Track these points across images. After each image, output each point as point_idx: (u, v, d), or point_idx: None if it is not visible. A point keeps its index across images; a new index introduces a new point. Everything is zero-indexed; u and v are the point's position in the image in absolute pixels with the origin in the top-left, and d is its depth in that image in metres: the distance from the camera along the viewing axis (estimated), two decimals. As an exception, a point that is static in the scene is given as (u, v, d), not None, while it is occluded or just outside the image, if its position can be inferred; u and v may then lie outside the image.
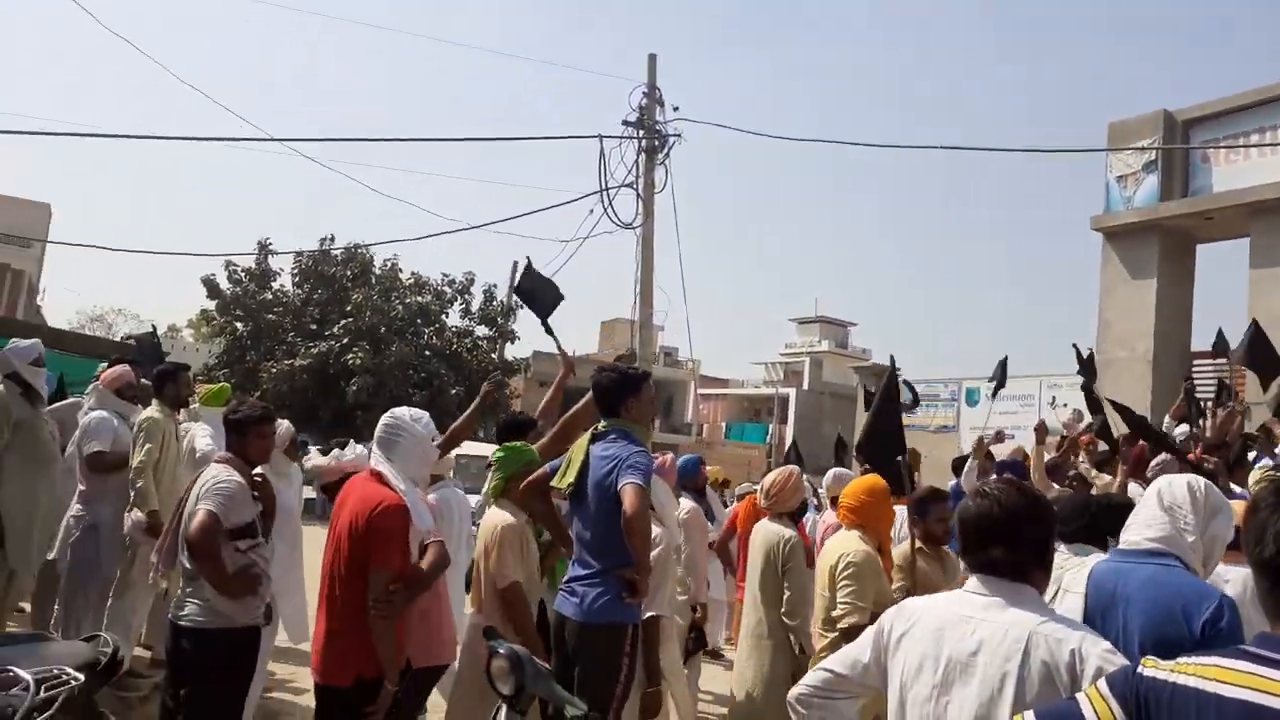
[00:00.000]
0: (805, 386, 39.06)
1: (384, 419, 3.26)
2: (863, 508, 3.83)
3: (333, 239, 19.90)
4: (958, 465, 7.83)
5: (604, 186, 12.46)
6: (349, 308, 18.87)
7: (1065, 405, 11.24)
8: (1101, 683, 1.51)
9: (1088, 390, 8.77)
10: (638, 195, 12.71)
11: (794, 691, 2.23)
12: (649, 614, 3.54)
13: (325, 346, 18.43)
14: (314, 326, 19.20)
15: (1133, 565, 2.38)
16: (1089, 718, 1.46)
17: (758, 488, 5.23)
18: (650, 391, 3.55)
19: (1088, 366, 9.12)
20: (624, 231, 12.75)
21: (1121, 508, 4.56)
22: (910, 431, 11.28)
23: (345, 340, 18.39)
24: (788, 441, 36.55)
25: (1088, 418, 10.78)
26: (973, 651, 1.97)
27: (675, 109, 12.80)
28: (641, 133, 12.75)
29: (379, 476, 3.13)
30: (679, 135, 12.88)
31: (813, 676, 2.21)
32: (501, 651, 2.76)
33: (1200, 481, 2.49)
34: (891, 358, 4.99)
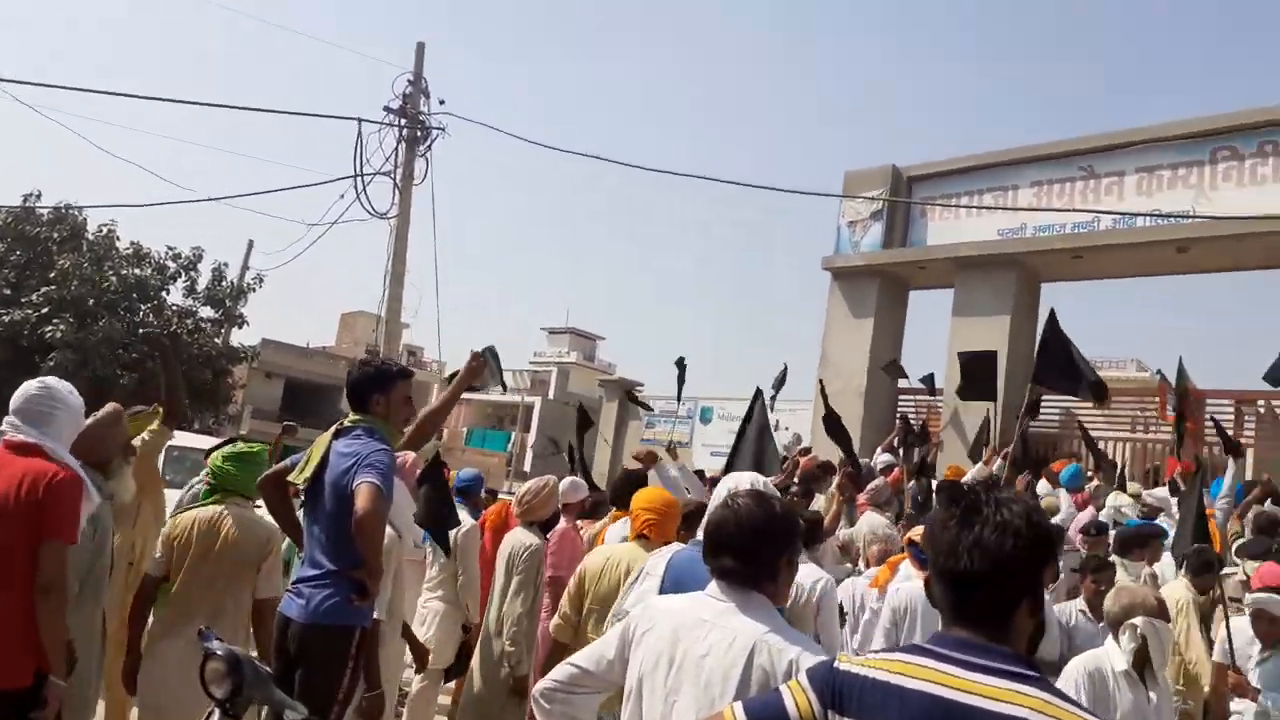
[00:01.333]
0: (551, 396, 39.33)
1: (33, 389, 2.90)
2: (664, 521, 3.79)
3: (39, 195, 17.68)
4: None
5: (359, 172, 11.94)
6: (53, 274, 16.79)
7: (788, 429, 12.01)
8: (802, 675, 1.58)
9: (830, 420, 9.53)
10: (395, 185, 12.29)
11: (539, 686, 2.25)
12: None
13: (21, 315, 16.32)
14: (9, 292, 16.93)
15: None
16: (789, 706, 1.53)
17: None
18: (404, 390, 3.42)
19: (779, 382, 9.82)
20: (377, 222, 12.29)
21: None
22: (646, 445, 11.53)
23: (45, 310, 16.36)
24: (529, 450, 36.57)
25: (805, 441, 11.63)
26: (703, 654, 2.05)
27: (441, 102, 12.50)
28: (403, 121, 12.34)
29: (32, 449, 2.77)
30: (443, 129, 12.59)
31: (559, 671, 2.23)
32: (218, 653, 2.55)
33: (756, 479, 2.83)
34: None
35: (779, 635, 2.05)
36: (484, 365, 4.14)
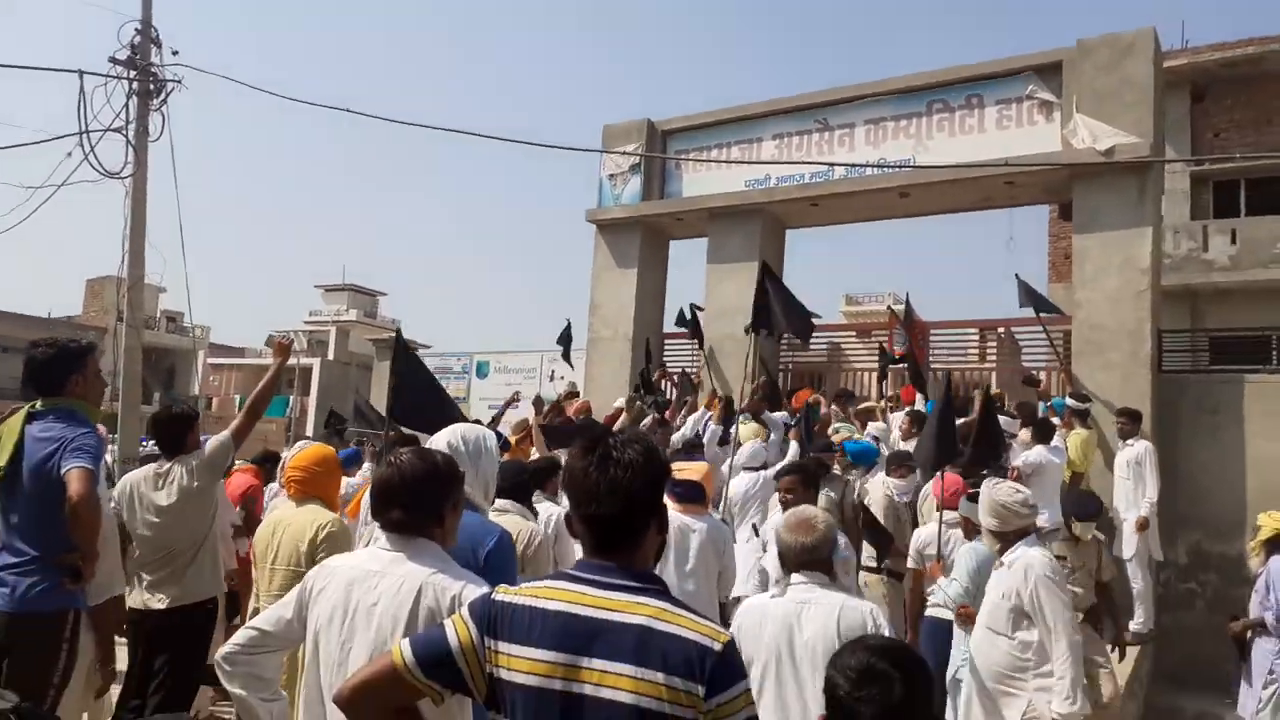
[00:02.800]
0: (331, 356, 37.89)
1: None
2: (314, 479, 3.88)
3: None
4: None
5: (85, 129, 10.97)
6: None
7: (563, 378, 12.35)
8: (464, 608, 1.77)
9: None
10: (128, 142, 11.39)
11: (221, 651, 2.33)
12: (111, 595, 3.44)
13: None
14: None
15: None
16: (450, 637, 1.71)
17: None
18: (95, 365, 3.33)
19: (564, 338, 10.14)
20: (115, 182, 11.36)
21: (552, 469, 5.18)
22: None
23: None
24: (310, 415, 35.09)
25: (579, 387, 12.00)
26: (373, 603, 2.20)
27: (175, 52, 11.63)
28: (133, 73, 11.42)
29: None
30: (178, 81, 11.75)
31: (240, 635, 2.32)
32: None
33: (471, 432, 2.99)
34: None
35: (445, 575, 2.22)
36: (291, 344, 4.31)
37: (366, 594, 2.20)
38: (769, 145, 11.56)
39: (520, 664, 1.63)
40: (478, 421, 4.19)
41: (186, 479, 3.99)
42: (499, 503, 4.36)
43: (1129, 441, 8.04)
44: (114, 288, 29.32)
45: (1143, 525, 7.69)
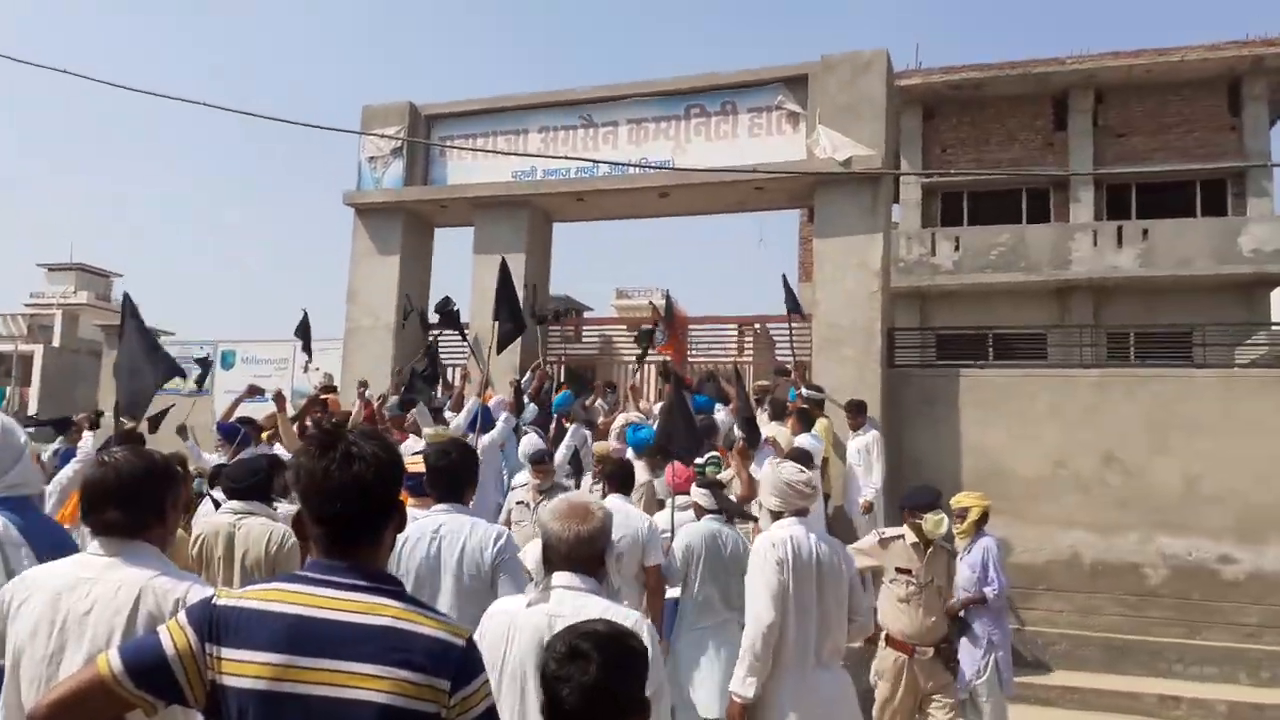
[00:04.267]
0: (56, 343, 34.26)
1: None
2: None
3: None
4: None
5: None
6: None
7: (318, 369, 11.76)
8: (181, 614, 1.66)
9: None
10: None
11: None
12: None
13: None
14: None
15: None
16: (165, 643, 1.60)
17: None
18: None
19: (302, 329, 9.67)
20: None
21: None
22: (163, 394, 10.64)
23: None
24: (31, 406, 31.64)
25: (335, 379, 11.51)
26: (86, 611, 2.04)
27: None
28: None
29: None
30: None
31: None
32: None
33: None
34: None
35: (167, 578, 2.10)
36: None
37: (78, 602, 2.04)
38: (535, 138, 11.55)
39: (248, 669, 1.56)
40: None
41: None
42: (237, 505, 4.12)
43: (859, 431, 8.70)
44: None
45: (868, 508, 8.35)
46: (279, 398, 7.48)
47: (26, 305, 41.07)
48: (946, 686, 5.00)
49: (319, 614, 1.60)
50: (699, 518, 5.27)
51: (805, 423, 8.20)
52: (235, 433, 7.50)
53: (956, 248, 18.50)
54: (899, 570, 5.00)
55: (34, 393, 32.21)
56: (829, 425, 8.95)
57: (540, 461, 6.11)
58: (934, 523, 4.92)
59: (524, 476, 6.43)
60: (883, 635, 4.98)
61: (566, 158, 10.88)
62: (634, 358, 11.54)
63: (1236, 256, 17.18)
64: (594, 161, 10.78)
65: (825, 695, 3.62)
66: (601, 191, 11.19)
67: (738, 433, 7.43)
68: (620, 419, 8.96)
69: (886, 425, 9.29)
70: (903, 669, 4.92)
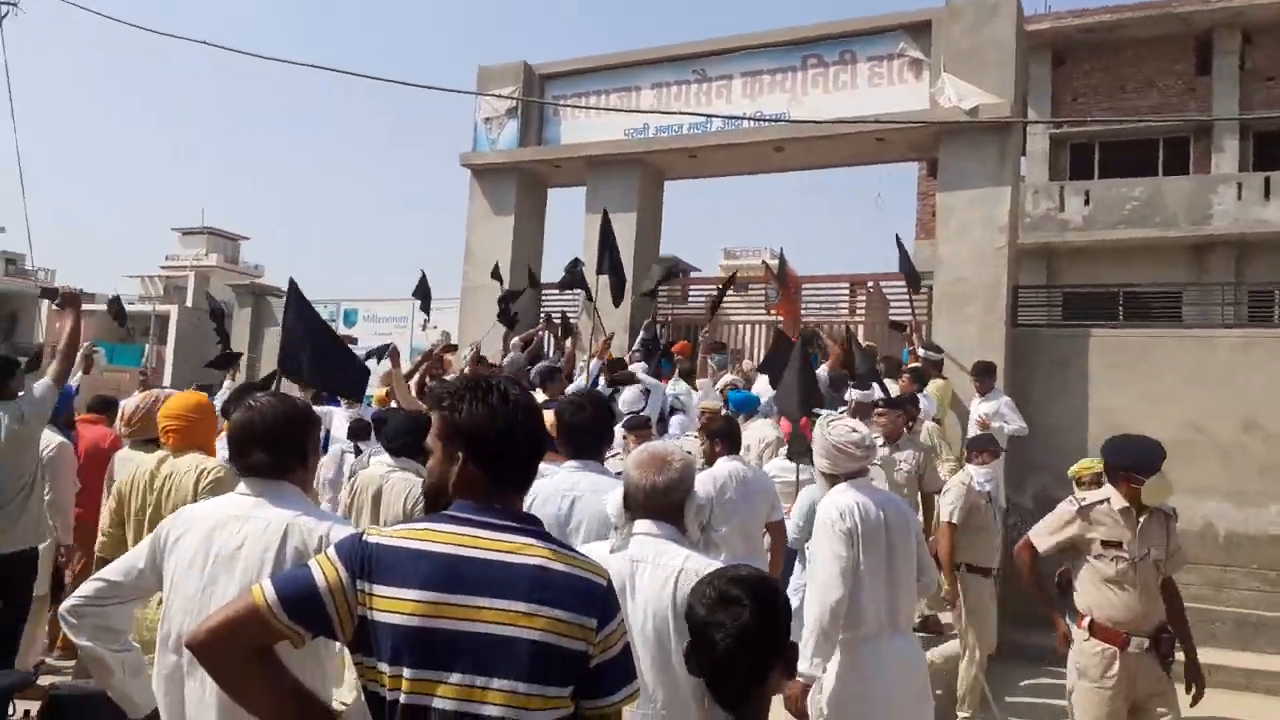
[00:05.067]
0: (189, 303, 36.06)
1: None
2: (192, 427, 3.63)
3: None
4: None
5: (-103, 50, 9.96)
6: None
7: (435, 327, 12.06)
8: (330, 549, 1.69)
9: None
10: (-49, 68, 10.41)
11: (66, 604, 2.24)
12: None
13: None
14: None
15: None
16: (316, 575, 1.63)
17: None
18: None
19: (421, 289, 9.84)
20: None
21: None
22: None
23: None
24: (168, 364, 33.53)
25: (454, 338, 11.76)
26: (238, 546, 2.17)
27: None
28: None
29: None
30: (14, 4, 10.87)
31: (87, 587, 2.24)
32: None
33: None
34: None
35: (310, 517, 2.22)
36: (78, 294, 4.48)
37: (229, 539, 2.17)
38: (647, 94, 11.44)
39: (401, 605, 1.58)
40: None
41: (15, 423, 3.99)
42: (388, 459, 4.27)
43: (986, 396, 8.38)
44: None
45: (984, 425, 8.07)
46: (394, 354, 7.62)
47: (162, 267, 43.38)
48: (1165, 693, 4.05)
49: (471, 553, 1.63)
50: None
51: (920, 383, 7.98)
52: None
53: (1086, 202, 17.58)
54: (1105, 544, 4.06)
55: (169, 351, 34.06)
56: (947, 385, 8.68)
57: (638, 428, 6.11)
58: (1158, 488, 4.02)
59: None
60: (1085, 622, 4.08)
61: (679, 113, 10.75)
62: (749, 317, 11.42)
63: (1402, 208, 15.84)
64: (707, 116, 10.64)
65: (905, 662, 3.51)
66: (715, 147, 11.03)
67: (856, 393, 7.30)
68: (725, 378, 8.91)
69: (1011, 388, 8.95)
70: (1112, 663, 3.98)
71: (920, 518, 6.21)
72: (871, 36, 10.40)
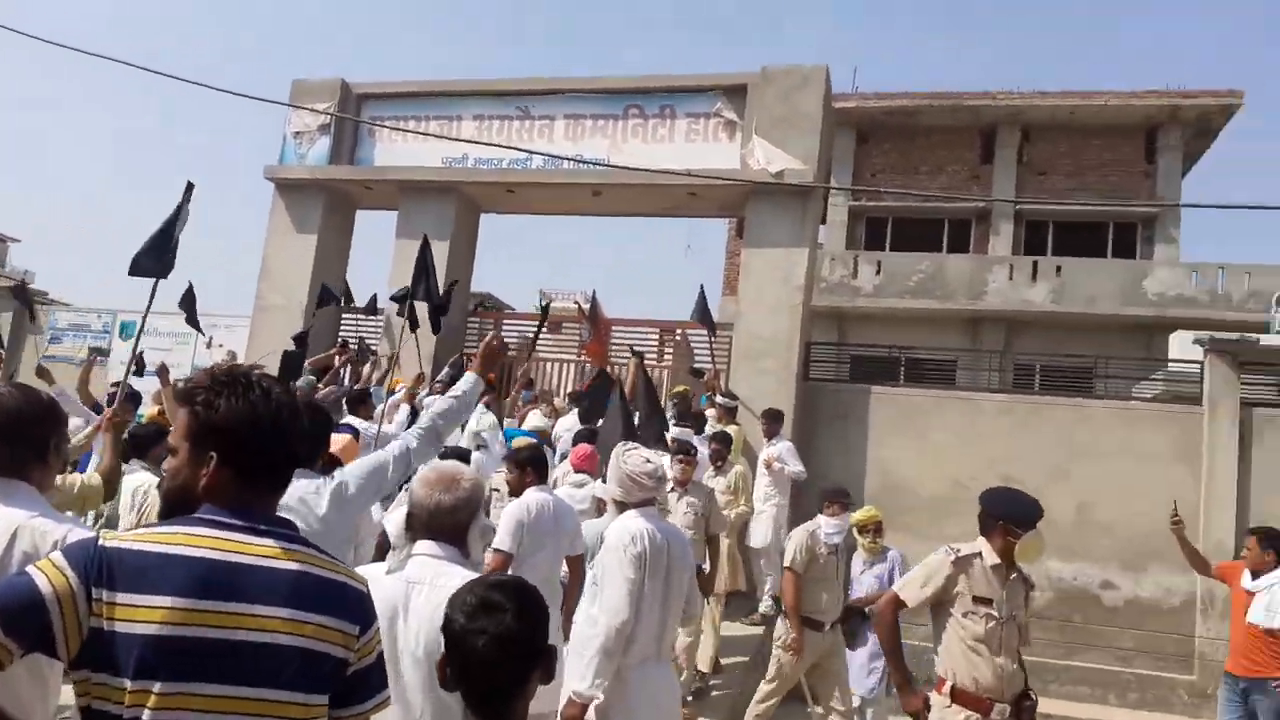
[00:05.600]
0: (-55, 301, 32.47)
1: None
2: None
3: None
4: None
5: None
6: None
7: (221, 345, 11.39)
8: (57, 554, 1.51)
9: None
10: None
11: None
12: None
13: None
14: None
15: None
16: (41, 585, 1.45)
17: None
18: None
19: (187, 301, 9.30)
20: None
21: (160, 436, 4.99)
22: (55, 362, 10.15)
23: None
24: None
25: (240, 358, 11.13)
26: None
27: None
28: None
29: None
30: None
31: None
32: None
33: None
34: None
35: (46, 519, 2.03)
36: None
37: None
38: (469, 125, 11.37)
39: (152, 614, 1.44)
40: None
41: None
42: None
43: (772, 440, 8.77)
44: None
45: (769, 465, 8.55)
46: (163, 371, 7.06)
47: (-84, 261, 38.92)
48: None
49: (233, 558, 1.53)
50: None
51: (698, 426, 8.40)
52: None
53: (878, 272, 18.85)
54: (977, 599, 3.74)
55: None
56: (739, 431, 9.01)
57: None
58: (1034, 544, 3.74)
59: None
60: (946, 688, 3.74)
61: (500, 145, 10.71)
62: (560, 355, 11.44)
63: (1141, 299, 17.88)
64: (529, 152, 10.66)
65: (666, 690, 3.60)
66: (534, 184, 11.07)
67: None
68: (533, 415, 8.94)
69: (798, 437, 9.38)
70: None
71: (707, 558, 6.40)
72: (691, 94, 10.78)
